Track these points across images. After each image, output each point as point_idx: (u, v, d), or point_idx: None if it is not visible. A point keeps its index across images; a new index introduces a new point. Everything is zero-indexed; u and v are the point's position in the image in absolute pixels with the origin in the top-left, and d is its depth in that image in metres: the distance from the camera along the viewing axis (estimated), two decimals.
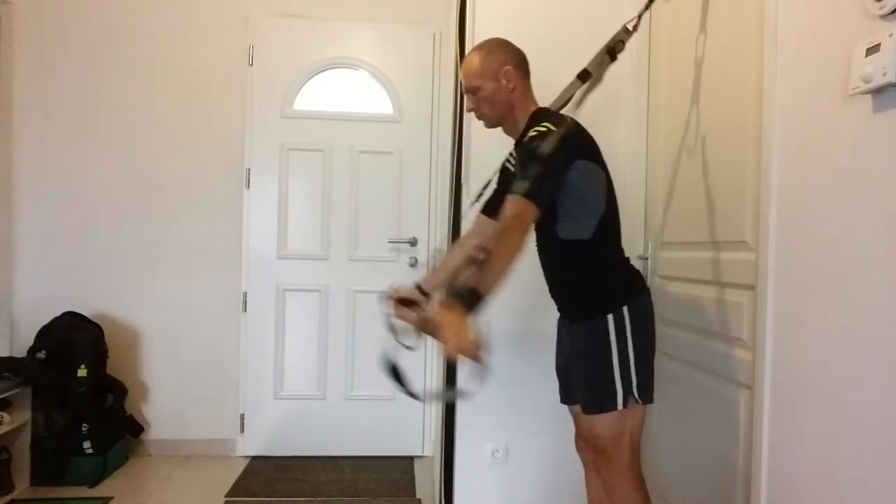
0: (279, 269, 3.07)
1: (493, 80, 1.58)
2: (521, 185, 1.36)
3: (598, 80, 1.59)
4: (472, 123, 2.14)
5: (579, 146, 1.50)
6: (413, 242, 3.10)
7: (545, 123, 1.46)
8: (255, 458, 3.02)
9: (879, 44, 1.02)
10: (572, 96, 1.72)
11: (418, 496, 2.65)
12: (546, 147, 1.40)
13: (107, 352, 2.88)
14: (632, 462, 1.54)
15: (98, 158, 3.02)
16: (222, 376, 3.07)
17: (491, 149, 2.13)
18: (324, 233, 3.09)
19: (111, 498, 2.55)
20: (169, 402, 3.06)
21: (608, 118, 2.14)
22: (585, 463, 1.73)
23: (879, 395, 1.03)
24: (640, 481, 1.56)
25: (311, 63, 3.06)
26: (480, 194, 1.83)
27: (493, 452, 2.19)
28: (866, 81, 1.04)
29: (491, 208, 1.76)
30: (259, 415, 3.07)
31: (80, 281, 3.01)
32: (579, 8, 2.18)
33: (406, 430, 3.11)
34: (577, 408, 1.62)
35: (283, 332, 3.08)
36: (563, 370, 1.70)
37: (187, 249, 3.06)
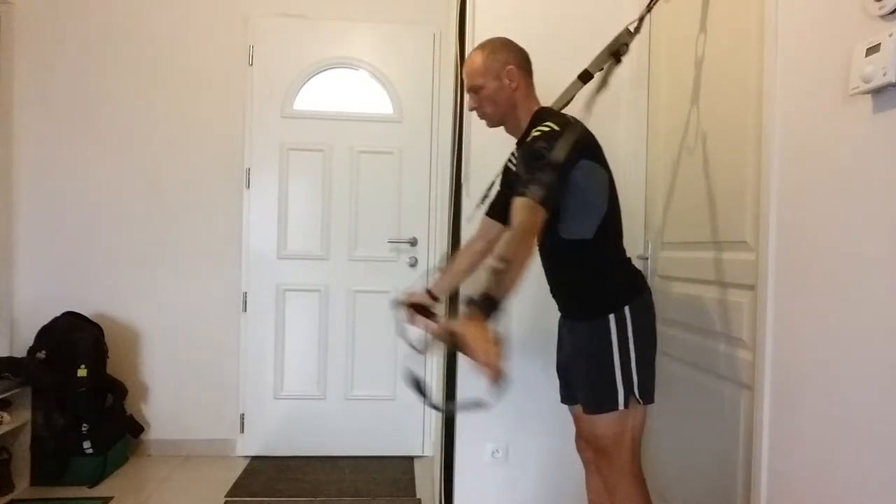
0: (279, 269, 3.07)
1: (496, 79, 1.58)
2: (534, 189, 1.34)
3: (605, 84, 1.59)
4: (473, 123, 2.15)
5: (583, 146, 1.50)
6: (413, 242, 3.10)
7: (548, 123, 1.46)
8: (255, 458, 3.02)
9: (879, 44, 1.02)
10: (573, 97, 1.72)
11: (418, 496, 2.65)
12: (559, 153, 1.38)
13: (107, 352, 2.88)
14: (633, 462, 1.54)
15: (98, 158, 3.02)
16: (222, 376, 3.07)
17: (491, 149, 2.13)
18: (324, 233, 3.09)
19: (111, 498, 2.55)
20: (169, 402, 3.06)
21: (608, 118, 2.14)
22: (586, 463, 1.74)
23: (879, 394, 1.03)
24: (640, 481, 1.56)
25: (311, 63, 3.06)
26: (485, 196, 1.83)
27: (493, 452, 2.19)
28: (866, 81, 1.04)
29: (495, 210, 1.77)
30: (259, 415, 3.07)
31: (80, 281, 3.01)
32: (579, 8, 2.19)
33: (406, 430, 3.11)
34: (578, 408, 1.62)
35: (283, 332, 3.08)
36: (563, 370, 1.70)
37: (187, 249, 3.06)
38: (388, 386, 3.11)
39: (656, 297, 1.61)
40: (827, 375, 1.16)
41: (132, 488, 2.66)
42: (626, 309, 1.50)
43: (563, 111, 1.64)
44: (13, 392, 2.56)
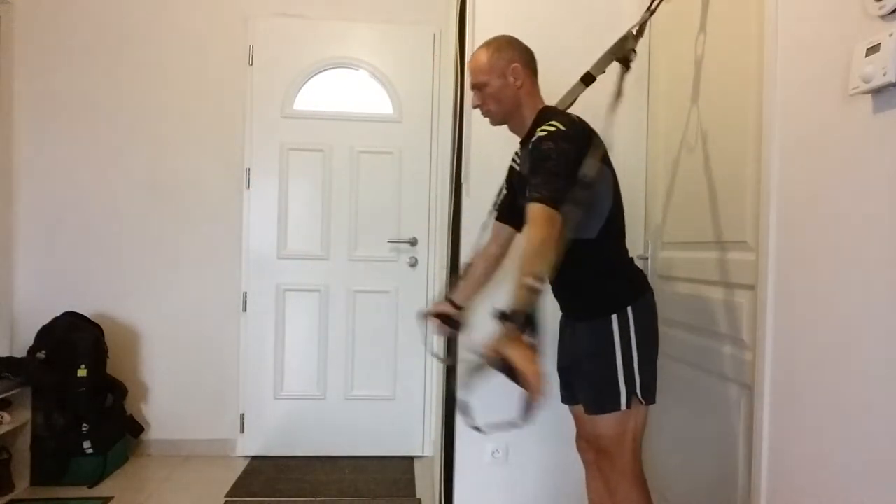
0: (279, 269, 3.07)
1: (501, 77, 1.58)
2: (553, 194, 1.36)
3: (620, 94, 1.60)
4: (473, 123, 2.14)
5: (588, 145, 1.50)
6: (413, 242, 3.10)
7: (553, 122, 1.46)
8: (255, 458, 3.02)
9: (879, 44, 1.02)
10: (576, 99, 1.72)
11: (418, 496, 2.65)
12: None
13: (107, 352, 2.88)
14: (634, 462, 1.54)
15: (98, 158, 3.02)
16: (222, 376, 3.07)
17: (491, 149, 2.13)
18: (324, 233, 3.09)
19: (111, 498, 2.55)
20: (169, 402, 3.06)
21: (606, 118, 2.13)
22: (586, 463, 1.73)
23: (879, 394, 1.03)
24: (642, 482, 1.56)
25: (311, 63, 3.06)
26: (496, 202, 1.83)
27: (493, 452, 2.19)
28: (866, 81, 1.04)
29: (503, 213, 1.77)
30: (259, 415, 3.07)
31: (80, 281, 3.01)
32: (580, 8, 2.18)
33: (406, 430, 3.11)
34: (579, 408, 1.62)
35: (283, 332, 3.08)
36: (564, 370, 1.69)
37: (187, 249, 3.06)
38: (388, 386, 3.11)
39: (656, 298, 1.61)
40: (827, 375, 1.16)
41: (132, 488, 2.66)
42: (629, 309, 1.49)
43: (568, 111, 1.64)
44: (13, 392, 2.56)
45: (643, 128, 2.15)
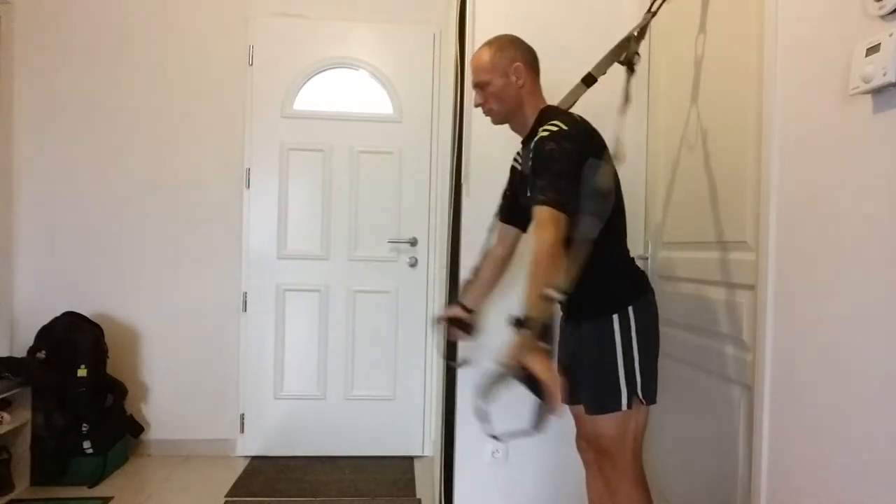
0: (279, 269, 3.07)
1: (503, 75, 1.58)
2: (558, 196, 1.37)
3: (628, 99, 1.61)
4: (473, 123, 2.14)
5: (590, 144, 1.50)
6: (413, 242, 3.10)
7: (555, 122, 1.46)
8: (255, 458, 3.02)
9: (879, 44, 1.02)
10: (576, 100, 1.72)
11: (418, 496, 2.65)
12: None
13: (107, 352, 2.88)
14: (634, 463, 1.54)
15: (98, 158, 3.02)
16: (222, 376, 3.07)
17: (492, 149, 2.13)
18: (324, 233, 3.09)
19: (111, 498, 2.55)
20: (169, 402, 3.06)
21: (608, 118, 2.14)
22: (586, 463, 1.73)
23: (879, 394, 1.03)
24: (642, 482, 1.56)
25: (311, 63, 3.06)
26: (501, 205, 1.83)
27: (493, 452, 2.19)
28: (866, 81, 1.04)
29: (506, 214, 1.78)
30: (259, 415, 3.07)
31: (80, 281, 3.01)
32: (580, 8, 2.19)
33: (406, 430, 3.11)
34: (579, 408, 1.62)
35: (283, 332, 3.08)
36: (564, 370, 1.69)
37: (187, 249, 3.06)
38: (388, 386, 3.11)
39: (656, 298, 1.61)
40: (827, 375, 1.16)
41: (132, 488, 2.66)
42: (630, 309, 1.49)
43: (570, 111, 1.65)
44: (13, 392, 2.56)
45: (643, 128, 2.15)
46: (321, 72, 3.08)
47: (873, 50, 1.03)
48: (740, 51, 1.55)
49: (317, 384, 3.09)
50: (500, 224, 1.79)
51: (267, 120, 3.05)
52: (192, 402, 3.06)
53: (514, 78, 1.58)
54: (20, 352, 2.83)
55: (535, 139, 1.49)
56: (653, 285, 1.62)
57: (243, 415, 3.07)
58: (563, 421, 1.80)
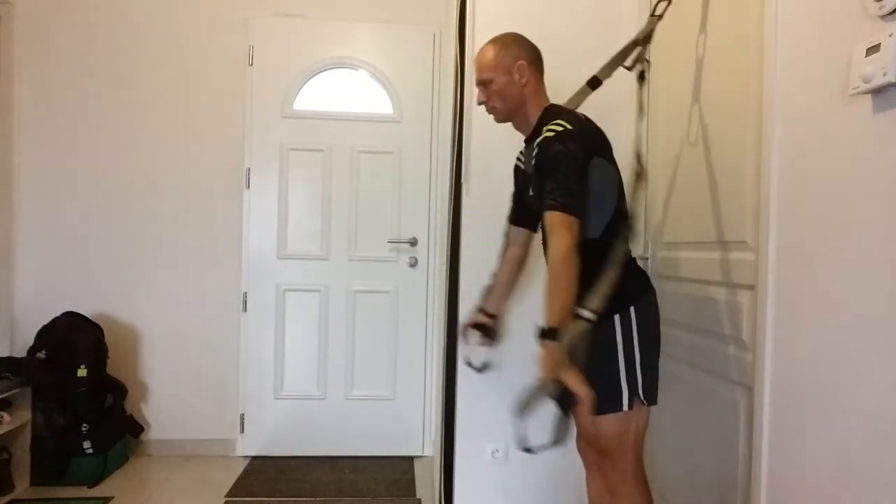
0: (279, 269, 3.07)
1: (506, 73, 1.58)
2: (568, 200, 1.39)
3: (641, 110, 1.62)
4: (473, 123, 2.15)
5: (594, 143, 1.50)
6: (413, 242, 3.10)
7: (559, 121, 1.46)
8: (255, 458, 3.02)
9: (879, 44, 1.02)
10: (580, 103, 1.72)
11: (418, 496, 2.65)
12: (576, 157, 1.43)
13: (107, 352, 2.88)
14: (635, 463, 1.54)
15: (98, 158, 3.02)
16: (222, 376, 3.07)
17: (492, 149, 2.13)
18: (324, 233, 3.09)
19: (111, 498, 2.55)
20: (169, 402, 3.06)
21: (608, 118, 2.14)
22: (587, 464, 1.73)
23: (879, 395, 1.03)
24: (643, 482, 1.56)
25: (311, 63, 3.06)
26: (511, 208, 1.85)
27: (493, 452, 2.19)
28: (866, 81, 1.04)
29: (515, 216, 1.79)
30: (259, 415, 3.07)
31: (80, 281, 3.01)
32: (580, 9, 2.19)
33: (406, 430, 3.11)
34: (580, 408, 1.62)
35: (283, 332, 3.08)
36: None
37: (187, 249, 3.06)
38: (388, 386, 3.11)
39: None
40: (827, 375, 1.16)
41: (132, 488, 2.66)
42: (632, 309, 1.49)
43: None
44: (13, 392, 2.56)
45: (643, 127, 2.14)
46: (321, 72, 3.08)
47: (873, 50, 1.03)
48: (740, 51, 1.55)
49: (317, 384, 3.09)
50: (511, 227, 1.81)
51: (267, 120, 3.05)
52: (192, 402, 3.06)
53: (517, 76, 1.58)
54: (20, 352, 2.83)
55: (540, 139, 1.49)
56: (653, 285, 1.62)
57: (243, 415, 3.07)
58: None
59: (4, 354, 2.86)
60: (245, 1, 3.05)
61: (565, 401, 1.29)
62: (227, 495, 2.60)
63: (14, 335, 2.95)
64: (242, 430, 3.07)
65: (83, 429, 2.67)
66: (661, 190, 2.04)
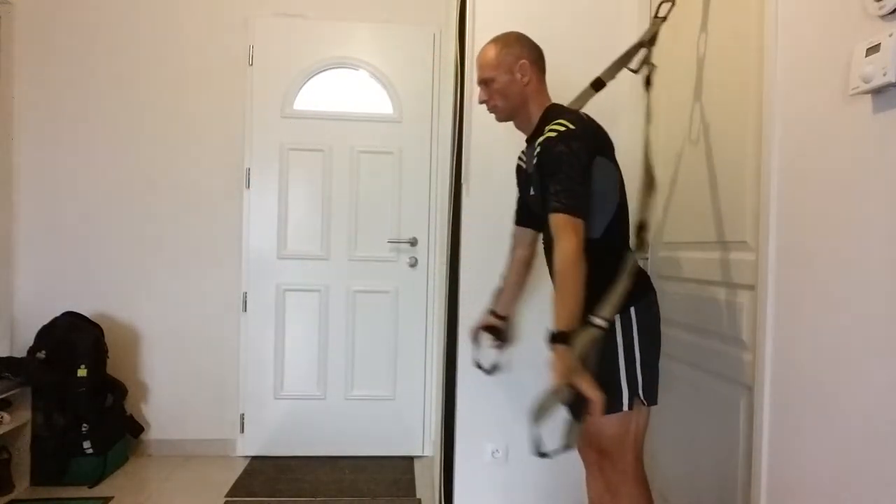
0: (279, 269, 3.07)
1: (508, 72, 1.58)
2: (573, 201, 1.40)
3: (650, 118, 1.63)
4: (473, 123, 2.14)
5: (596, 143, 1.50)
6: (413, 242, 3.10)
7: (562, 121, 1.47)
8: (255, 458, 3.02)
9: (879, 44, 1.02)
10: (584, 105, 1.72)
11: (418, 496, 2.65)
12: (579, 158, 1.43)
13: (107, 352, 2.88)
14: (636, 463, 1.54)
15: (98, 158, 3.02)
16: (222, 376, 3.07)
17: (492, 149, 2.13)
18: (324, 233, 3.09)
19: (111, 498, 2.55)
20: (169, 402, 3.06)
21: (608, 118, 2.14)
22: (587, 463, 1.73)
23: (879, 395, 1.03)
24: (643, 483, 1.56)
25: (311, 63, 3.06)
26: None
27: (493, 452, 2.19)
28: (866, 81, 1.04)
29: (520, 217, 1.79)
30: (259, 415, 3.07)
31: (80, 281, 3.01)
32: (580, 9, 2.19)
33: (406, 430, 3.11)
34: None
35: (283, 332, 3.08)
36: None
37: (187, 249, 3.06)
38: (388, 386, 3.11)
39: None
40: (827, 375, 1.16)
41: (132, 488, 2.66)
42: (632, 310, 1.49)
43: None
44: (13, 392, 2.56)
45: (642, 129, 2.14)
46: (321, 72, 3.08)
47: (873, 50, 1.03)
48: (740, 51, 1.55)
49: (317, 384, 3.09)
50: (516, 228, 1.82)
51: (267, 120, 3.05)
52: (192, 402, 3.06)
53: (519, 75, 1.58)
54: (20, 352, 2.82)
55: (542, 138, 1.49)
56: (653, 285, 1.62)
57: (243, 415, 3.07)
58: (563, 421, 1.80)
59: (4, 354, 2.86)
60: (245, 1, 3.05)
61: (577, 406, 1.30)
62: (227, 495, 2.60)
63: (14, 335, 2.95)
64: (242, 430, 3.07)
65: (83, 429, 2.67)
66: (661, 190, 2.04)
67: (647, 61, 1.69)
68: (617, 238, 1.56)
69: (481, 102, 1.66)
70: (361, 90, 3.09)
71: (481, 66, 1.62)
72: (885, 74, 1.00)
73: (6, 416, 2.50)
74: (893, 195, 1.01)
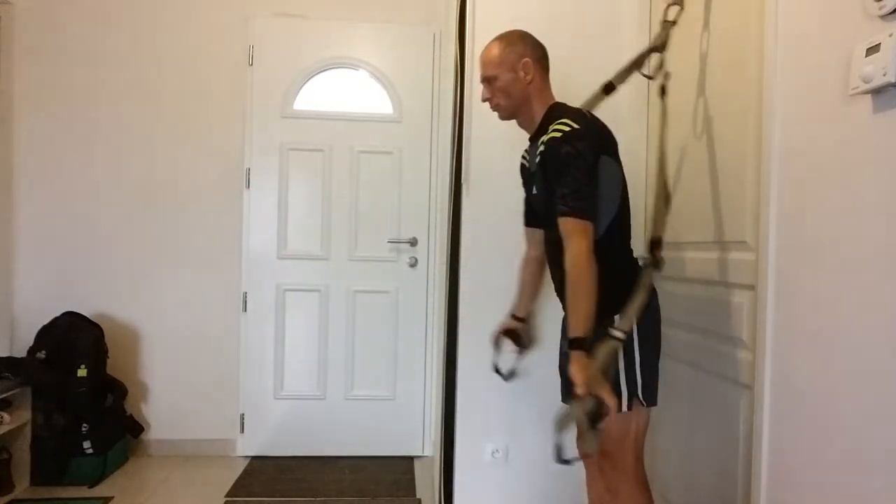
0: (279, 269, 3.07)
1: (511, 70, 1.58)
2: (581, 203, 1.41)
3: (665, 123, 1.63)
4: (473, 123, 2.14)
5: (601, 141, 1.50)
6: (413, 242, 3.10)
7: (566, 121, 1.46)
8: (255, 458, 3.02)
9: (879, 44, 1.02)
10: (594, 108, 1.72)
11: (418, 496, 2.65)
12: (585, 158, 1.44)
13: (107, 352, 2.88)
14: (636, 464, 1.54)
15: (98, 158, 3.02)
16: (222, 376, 3.07)
17: (492, 149, 2.13)
18: (324, 233, 3.09)
19: (111, 498, 2.55)
20: (169, 402, 3.06)
21: (608, 119, 2.14)
22: (587, 464, 1.73)
23: (879, 395, 1.03)
24: (644, 483, 1.56)
25: (311, 63, 3.06)
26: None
27: (493, 452, 2.19)
28: (866, 81, 1.04)
29: (529, 218, 1.79)
30: (259, 415, 3.07)
31: (80, 281, 3.01)
32: (580, 10, 2.18)
33: (406, 430, 3.11)
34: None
35: (283, 332, 3.08)
36: (566, 370, 1.69)
37: (187, 249, 3.06)
38: (388, 386, 3.11)
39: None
40: (827, 375, 1.16)
41: (132, 488, 2.66)
42: None
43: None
44: (13, 392, 2.57)
45: (643, 128, 2.14)
46: (321, 72, 3.08)
47: (873, 50, 1.03)
48: (740, 51, 1.55)
49: (317, 384, 3.09)
50: (526, 229, 1.82)
51: (267, 120, 3.05)
52: (192, 402, 3.06)
53: (522, 73, 1.58)
54: (20, 352, 2.82)
55: (546, 138, 1.49)
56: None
57: (243, 415, 3.07)
58: None
59: (4, 354, 2.86)
60: (245, 1, 3.05)
61: (596, 413, 1.30)
62: (227, 495, 2.60)
63: (14, 335, 2.95)
64: (242, 430, 3.07)
65: (83, 429, 2.67)
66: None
67: (662, 68, 1.69)
68: (617, 238, 1.55)
69: (484, 100, 1.65)
70: (361, 90, 3.09)
71: (484, 64, 1.62)
72: (885, 74, 1.00)
73: (6, 416, 2.50)
74: (893, 195, 1.01)
